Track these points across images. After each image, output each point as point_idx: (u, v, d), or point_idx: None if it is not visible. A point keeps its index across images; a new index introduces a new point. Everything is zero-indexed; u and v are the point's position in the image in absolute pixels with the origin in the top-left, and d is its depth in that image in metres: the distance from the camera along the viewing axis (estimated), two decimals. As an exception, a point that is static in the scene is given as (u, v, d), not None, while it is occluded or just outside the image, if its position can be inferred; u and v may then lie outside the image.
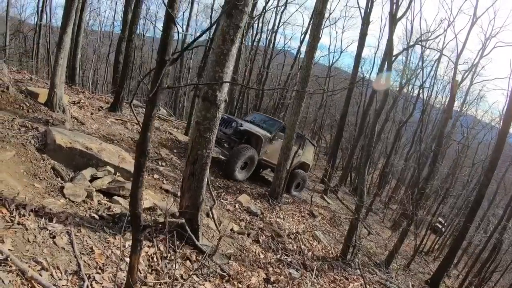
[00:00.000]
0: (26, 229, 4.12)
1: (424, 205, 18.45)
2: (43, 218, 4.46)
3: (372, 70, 43.06)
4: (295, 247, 8.58)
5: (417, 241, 14.13)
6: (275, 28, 29.57)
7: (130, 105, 11.95)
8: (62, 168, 6.07)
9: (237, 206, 9.21)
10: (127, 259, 4.53)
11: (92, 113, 10.76)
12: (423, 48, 23.47)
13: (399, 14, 14.79)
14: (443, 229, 25.76)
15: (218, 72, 5.33)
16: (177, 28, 2.68)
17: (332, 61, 31.60)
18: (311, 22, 12.32)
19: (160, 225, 5.40)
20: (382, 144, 31.69)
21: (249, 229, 8.15)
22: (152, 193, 6.95)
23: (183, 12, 33.79)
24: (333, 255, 9.61)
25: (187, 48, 2.77)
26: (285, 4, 28.10)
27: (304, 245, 9.11)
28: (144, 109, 15.82)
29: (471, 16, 20.91)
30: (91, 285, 3.87)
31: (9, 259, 3.48)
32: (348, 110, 21.65)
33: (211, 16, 29.93)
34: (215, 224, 7.11)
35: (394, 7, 11.81)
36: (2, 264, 3.43)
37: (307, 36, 24.04)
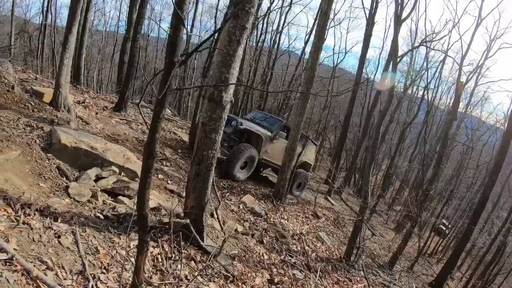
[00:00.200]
0: (31, 229, 4.12)
1: (428, 207, 18.39)
2: (48, 218, 4.47)
3: (376, 71, 42.96)
4: (299, 248, 8.57)
5: (421, 243, 14.09)
6: (280, 28, 29.54)
7: (137, 106, 11.95)
8: (67, 167, 6.08)
9: (241, 207, 9.20)
10: (132, 259, 4.54)
11: (97, 113, 10.78)
12: (428, 49, 23.46)
13: (404, 15, 14.76)
14: (446, 231, 25.65)
15: (224, 73, 5.32)
16: (185, 30, 2.67)
17: (337, 62, 31.57)
18: (316, 23, 12.33)
19: (165, 226, 5.39)
20: (386, 145, 31.62)
21: (253, 230, 8.14)
22: (156, 193, 6.95)
23: (187, 13, 33.77)
24: (337, 256, 9.60)
25: (196, 50, 2.76)
26: (290, 5, 28.07)
27: (308, 246, 9.09)
28: (149, 109, 15.90)
29: (476, 17, 20.92)
30: (96, 285, 3.86)
31: (14, 258, 3.49)
32: (352, 111, 21.62)
33: (215, 17, 29.88)
34: (220, 225, 7.10)
35: (399, 8, 11.75)
36: (8, 264, 3.43)
37: (312, 37, 24.05)
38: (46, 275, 3.58)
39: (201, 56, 32.32)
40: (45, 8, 25.31)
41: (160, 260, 4.87)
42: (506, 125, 14.50)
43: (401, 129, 29.38)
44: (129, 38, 14.06)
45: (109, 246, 4.61)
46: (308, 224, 10.93)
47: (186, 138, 12.72)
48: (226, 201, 9.03)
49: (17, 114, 7.10)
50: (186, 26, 2.65)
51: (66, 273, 3.81)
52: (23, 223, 4.13)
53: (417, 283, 12.01)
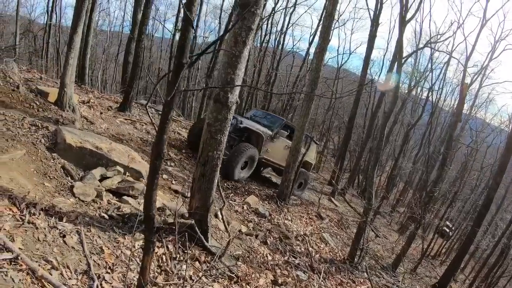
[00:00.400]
0: (36, 228, 4.13)
1: (432, 209, 18.36)
2: (53, 217, 4.47)
3: (380, 72, 42.90)
4: (302, 249, 8.56)
5: (424, 245, 14.05)
6: (284, 29, 29.58)
7: (142, 106, 11.98)
8: (72, 167, 6.08)
9: (245, 207, 9.19)
10: (137, 259, 4.55)
11: (101, 113, 10.80)
12: (432, 50, 23.41)
13: (408, 16, 14.74)
14: (450, 233, 25.60)
15: (230, 74, 5.33)
16: (194, 31, 2.67)
17: (341, 63, 31.55)
18: (321, 24, 12.30)
19: (170, 226, 5.39)
20: (390, 146, 31.58)
21: (257, 231, 8.13)
22: (161, 193, 6.95)
23: (196, 14, 33.82)
24: (341, 257, 9.59)
25: (204, 52, 2.76)
26: (294, 5, 28.10)
27: (312, 247, 9.08)
28: (153, 109, 15.91)
29: (480, 18, 20.80)
30: (101, 284, 3.87)
31: (19, 258, 3.49)
32: (356, 112, 21.57)
33: (220, 17, 29.97)
34: (225, 225, 7.10)
35: (404, 9, 11.73)
36: (13, 263, 3.44)
37: (316, 38, 24.05)
38: (51, 274, 3.59)
39: (206, 57, 32.32)
40: (50, 8, 25.41)
41: (164, 260, 4.88)
42: (510, 126, 14.47)
43: (405, 130, 29.33)
44: (134, 38, 14.08)
45: (114, 246, 4.62)
46: (312, 225, 10.92)
47: (190, 138, 12.72)
48: (230, 201, 9.02)
49: (22, 113, 7.12)
50: (194, 28, 2.65)
51: (71, 272, 3.82)
52: (28, 222, 4.14)
53: (421, 285, 12.00)
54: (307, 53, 28.36)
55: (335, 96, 19.87)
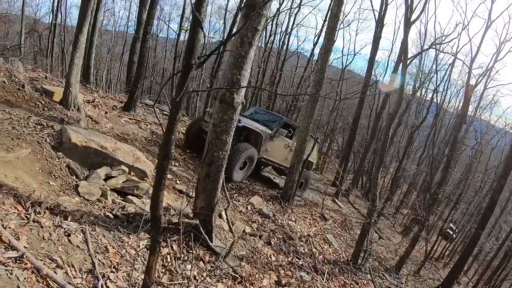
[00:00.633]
0: (41, 227, 4.14)
1: (436, 211, 18.31)
2: (58, 216, 4.49)
3: (385, 73, 42.80)
4: (306, 250, 8.55)
5: (428, 247, 14.02)
6: (289, 30, 29.56)
7: (146, 106, 12.00)
8: (77, 166, 6.10)
9: (249, 208, 9.19)
10: (140, 259, 4.55)
11: (106, 112, 10.82)
12: (437, 51, 23.36)
13: (413, 17, 14.69)
14: (454, 235, 25.54)
15: (236, 75, 5.33)
16: (203, 32, 2.67)
17: (346, 63, 31.51)
18: (326, 25, 12.28)
19: (174, 226, 5.40)
20: (394, 148, 31.49)
21: (261, 231, 8.13)
22: (165, 193, 6.95)
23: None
24: (344, 259, 9.57)
25: (213, 53, 2.76)
26: (299, 6, 28.03)
27: (315, 248, 9.07)
28: (159, 109, 15.93)
29: (485, 19, 20.67)
30: (106, 284, 3.88)
31: (24, 256, 3.51)
32: (361, 113, 21.52)
33: (224, 17, 29.98)
34: (229, 226, 7.11)
35: (409, 10, 11.69)
36: (18, 261, 3.45)
37: (321, 38, 24.00)
38: (56, 273, 3.60)
39: (210, 57, 32.30)
40: (55, 8, 25.56)
41: (168, 260, 4.88)
42: (515, 129, 14.40)
43: (409, 132, 29.26)
44: (139, 38, 14.11)
45: (119, 245, 4.62)
46: (315, 226, 10.91)
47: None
48: (234, 202, 9.02)
49: (27, 112, 7.14)
50: (203, 29, 2.65)
51: (76, 271, 3.83)
52: (33, 221, 4.15)
53: (424, 287, 11.97)
54: (312, 53, 28.32)
55: (340, 97, 19.82)
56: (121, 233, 4.88)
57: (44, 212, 4.40)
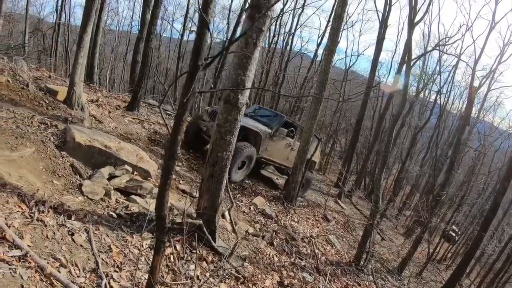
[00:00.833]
0: (45, 226, 4.16)
1: (439, 212, 18.27)
2: (62, 215, 4.50)
3: (389, 74, 42.73)
4: (309, 251, 8.55)
5: (430, 249, 13.99)
6: (292, 30, 29.51)
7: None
8: (80, 165, 6.12)
9: (252, 208, 9.20)
10: (143, 258, 4.56)
11: (110, 112, 10.83)
12: (441, 53, 23.31)
13: (417, 18, 14.69)
14: (456, 237, 25.47)
15: (240, 75, 5.33)
16: (210, 33, 2.67)
17: (349, 64, 31.47)
18: (330, 26, 12.26)
19: (178, 226, 5.40)
20: (397, 149, 31.40)
21: (263, 232, 8.13)
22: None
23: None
24: (346, 260, 9.57)
25: (220, 54, 2.76)
26: (303, 7, 28.00)
27: (318, 249, 9.07)
28: (162, 109, 15.93)
29: (489, 21, 20.59)
30: (109, 283, 3.88)
31: (28, 255, 3.52)
32: (364, 114, 21.47)
33: (228, 18, 29.98)
34: (232, 226, 7.11)
35: (413, 11, 11.68)
36: (22, 260, 3.46)
37: (325, 39, 23.97)
38: (59, 272, 3.61)
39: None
40: (59, 7, 25.60)
41: (172, 259, 4.89)
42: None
43: (412, 133, 29.18)
44: (143, 38, 14.12)
45: (122, 245, 4.63)
46: (318, 227, 10.91)
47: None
48: (237, 202, 9.02)
49: (31, 111, 7.16)
50: (210, 31, 2.65)
51: (80, 270, 3.84)
52: (37, 220, 4.17)
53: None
54: (315, 54, 28.32)
55: (343, 99, 19.79)
56: (124, 233, 4.89)
57: (48, 211, 4.41)
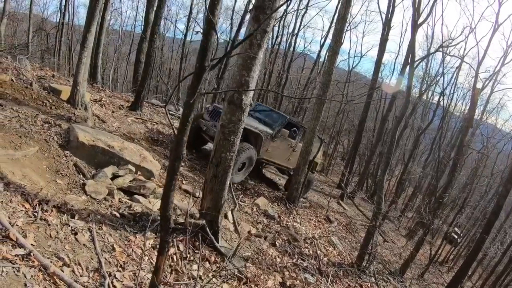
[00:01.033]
0: (49, 225, 4.16)
1: (441, 214, 18.24)
2: (65, 214, 4.51)
3: (392, 76, 42.64)
4: (311, 252, 8.54)
5: (432, 251, 13.97)
6: (296, 31, 29.48)
7: (164, 109, 11.98)
8: (84, 165, 6.13)
9: (254, 209, 9.19)
10: (146, 258, 4.56)
11: (113, 112, 10.85)
12: (444, 54, 23.27)
13: (421, 19, 14.67)
14: (458, 239, 25.41)
15: (245, 76, 5.34)
16: (216, 35, 2.67)
17: (352, 65, 31.45)
18: (334, 27, 12.23)
19: (181, 226, 5.41)
20: (400, 151, 31.34)
21: (266, 232, 8.13)
22: (172, 193, 6.96)
23: (203, 14, 33.93)
24: (349, 261, 9.55)
25: (226, 56, 2.77)
26: (306, 7, 27.98)
27: (320, 250, 9.05)
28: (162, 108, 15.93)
29: (493, 22, 20.52)
30: (112, 282, 3.89)
31: (31, 254, 3.52)
32: (367, 115, 21.45)
33: (231, 18, 29.95)
34: (235, 227, 7.12)
35: (416, 13, 11.67)
36: (25, 259, 3.47)
37: (328, 40, 23.94)
38: (62, 271, 3.62)
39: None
40: (62, 7, 25.72)
41: (175, 259, 4.89)
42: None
43: (415, 134, 29.14)
44: (146, 38, 14.15)
45: (125, 244, 4.64)
46: (320, 228, 10.89)
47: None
48: (240, 203, 9.02)
49: (35, 110, 7.18)
50: (217, 32, 2.65)
51: (83, 270, 3.85)
52: (41, 219, 4.18)
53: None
54: (318, 55, 28.30)
55: (346, 100, 19.74)
56: (127, 232, 4.89)
57: (51, 210, 4.42)
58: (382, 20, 21.61)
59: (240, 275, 5.51)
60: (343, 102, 22.17)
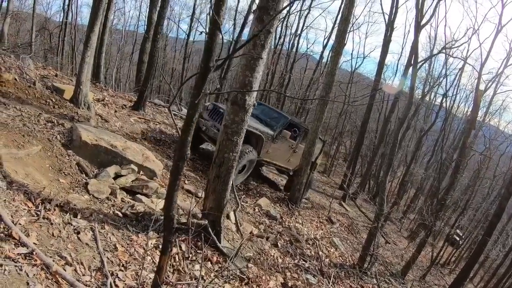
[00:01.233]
0: (51, 224, 4.17)
1: (443, 216, 18.21)
2: (68, 214, 4.52)
3: (394, 77, 42.58)
4: (313, 253, 8.54)
5: (434, 253, 13.94)
6: (298, 32, 29.45)
7: (168, 109, 12.01)
8: (86, 164, 6.14)
9: (256, 209, 9.18)
10: (148, 258, 4.57)
11: (115, 111, 10.85)
12: (447, 56, 23.22)
13: (424, 21, 14.65)
14: (460, 241, 25.36)
15: (248, 77, 5.34)
16: (221, 35, 2.68)
17: (355, 66, 31.43)
18: (337, 28, 12.22)
19: (183, 226, 5.41)
20: (402, 152, 31.29)
21: (268, 233, 8.12)
22: (174, 193, 6.96)
23: (206, 14, 33.96)
24: (350, 262, 9.54)
25: (231, 56, 2.77)
26: (309, 8, 27.95)
27: (322, 251, 9.04)
28: (167, 109, 15.93)
29: (496, 24, 20.52)
30: (114, 282, 3.89)
31: (34, 252, 3.54)
32: (369, 116, 21.41)
33: (234, 19, 29.95)
34: (237, 227, 7.11)
35: (420, 14, 11.65)
36: (27, 258, 3.48)
37: (331, 41, 23.92)
38: (65, 270, 3.63)
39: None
40: (66, 7, 25.73)
41: (177, 259, 4.89)
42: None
43: (418, 136, 29.09)
44: (149, 38, 14.15)
45: (128, 244, 4.64)
46: (322, 229, 10.88)
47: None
48: (242, 203, 9.01)
49: (38, 109, 7.20)
50: (221, 32, 2.65)
51: (85, 269, 3.86)
52: (43, 218, 4.19)
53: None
54: (321, 56, 28.29)
55: (349, 101, 19.71)
56: (130, 232, 4.90)
57: (54, 209, 4.42)
58: (385, 21, 21.58)
59: (242, 276, 5.52)
60: (345, 103, 22.11)
